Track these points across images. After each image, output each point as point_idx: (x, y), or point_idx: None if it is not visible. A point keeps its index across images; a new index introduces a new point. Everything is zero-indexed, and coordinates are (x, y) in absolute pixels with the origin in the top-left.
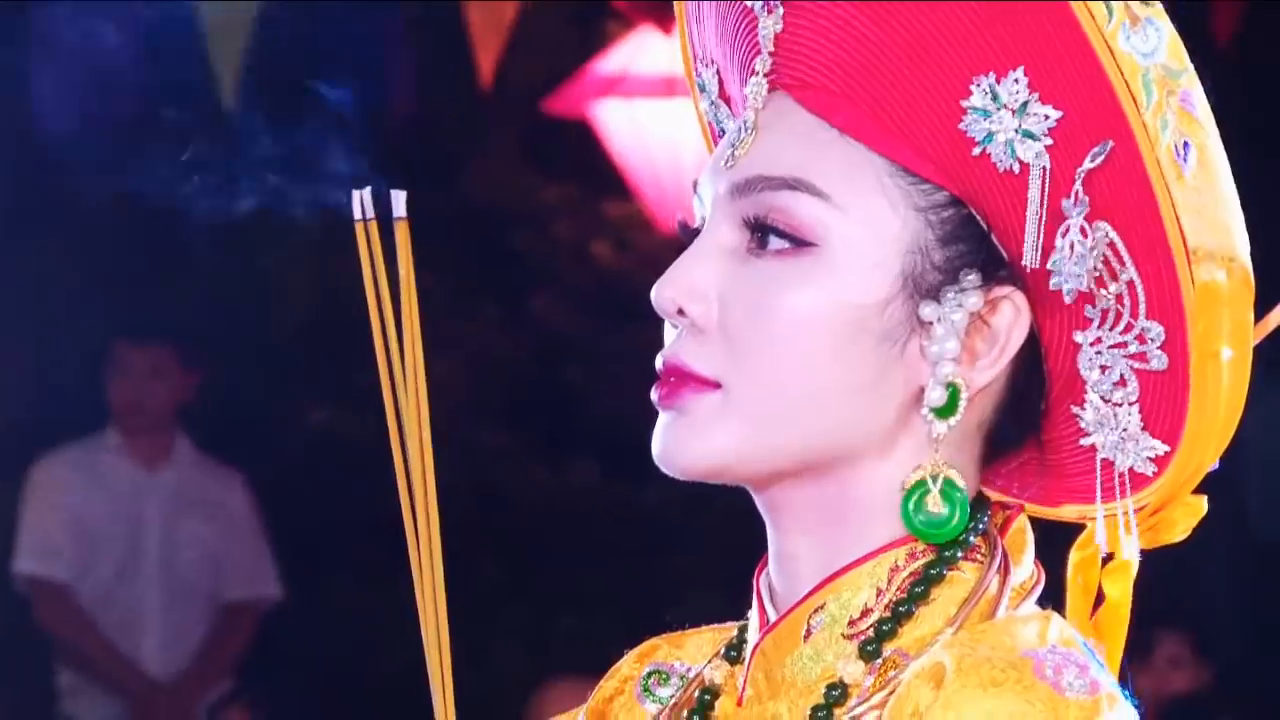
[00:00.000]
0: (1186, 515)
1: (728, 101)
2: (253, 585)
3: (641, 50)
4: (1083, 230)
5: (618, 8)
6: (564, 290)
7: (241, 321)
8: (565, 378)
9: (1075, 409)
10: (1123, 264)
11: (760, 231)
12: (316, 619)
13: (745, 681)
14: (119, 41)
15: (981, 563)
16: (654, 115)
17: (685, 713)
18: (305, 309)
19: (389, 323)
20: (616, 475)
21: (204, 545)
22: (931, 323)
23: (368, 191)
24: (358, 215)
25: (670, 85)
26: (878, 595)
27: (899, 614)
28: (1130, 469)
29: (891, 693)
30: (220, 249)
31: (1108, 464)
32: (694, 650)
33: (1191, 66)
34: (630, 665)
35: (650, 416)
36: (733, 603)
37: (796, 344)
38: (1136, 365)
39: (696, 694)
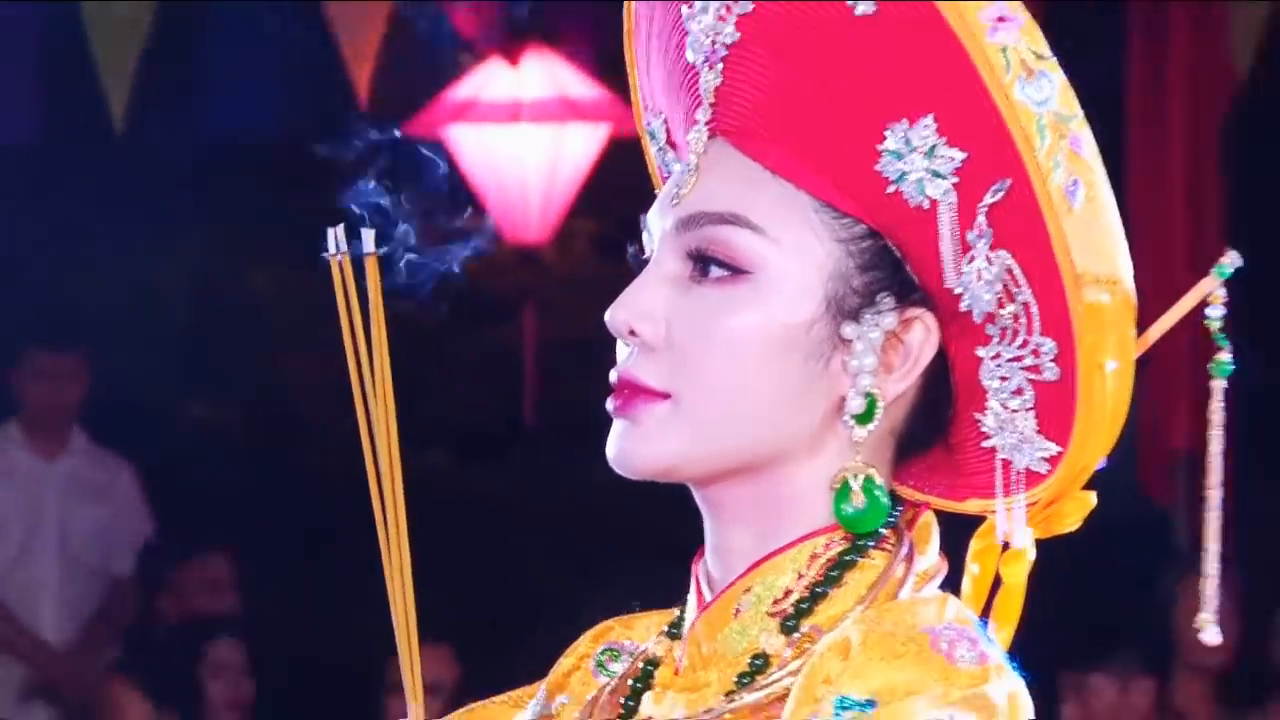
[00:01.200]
0: (1076, 508)
1: (674, 147)
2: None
3: (490, 80)
4: (987, 258)
5: (468, 40)
6: (423, 286)
7: (132, 325)
8: (417, 370)
9: (978, 415)
10: (1019, 287)
11: (702, 262)
12: (182, 574)
13: (683, 654)
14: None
15: (890, 552)
16: (500, 138)
17: (630, 681)
18: (187, 313)
19: (360, 345)
20: (467, 461)
21: (96, 526)
22: (852, 340)
23: (340, 229)
24: (331, 251)
25: (515, 111)
26: (798, 578)
27: (816, 595)
28: (1027, 468)
29: (804, 666)
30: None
31: (1006, 463)
32: (643, 631)
33: (1081, 113)
34: (586, 644)
35: (496, 408)
36: (580, 583)
37: (735, 360)
38: (1032, 376)
39: (640, 665)
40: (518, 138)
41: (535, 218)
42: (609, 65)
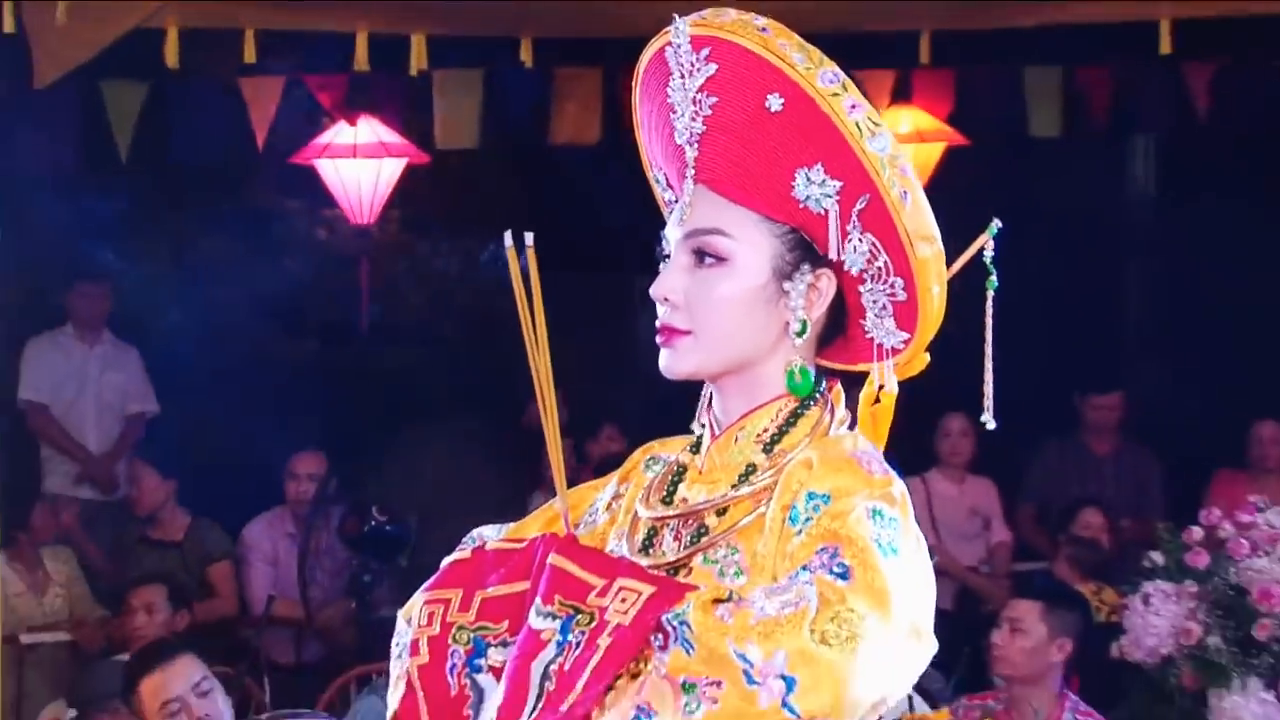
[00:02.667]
0: (919, 364)
1: (672, 188)
2: (143, 403)
3: (338, 132)
4: (859, 239)
5: (327, 109)
6: (302, 248)
7: (135, 267)
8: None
9: (862, 321)
10: (880, 254)
11: (700, 255)
12: (175, 422)
13: (703, 463)
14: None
15: (821, 407)
16: (345, 166)
17: (670, 477)
18: (170, 261)
19: (524, 306)
20: (329, 344)
21: (117, 385)
22: (789, 291)
23: (510, 233)
24: (508, 244)
25: (353, 151)
26: (771, 421)
27: (782, 431)
28: (892, 346)
29: (780, 472)
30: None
31: (880, 345)
32: (673, 448)
33: (903, 151)
34: (639, 454)
35: (344, 314)
36: None
37: (725, 310)
38: (891, 299)
39: (675, 468)
40: (355, 166)
41: (365, 211)
42: (407, 126)
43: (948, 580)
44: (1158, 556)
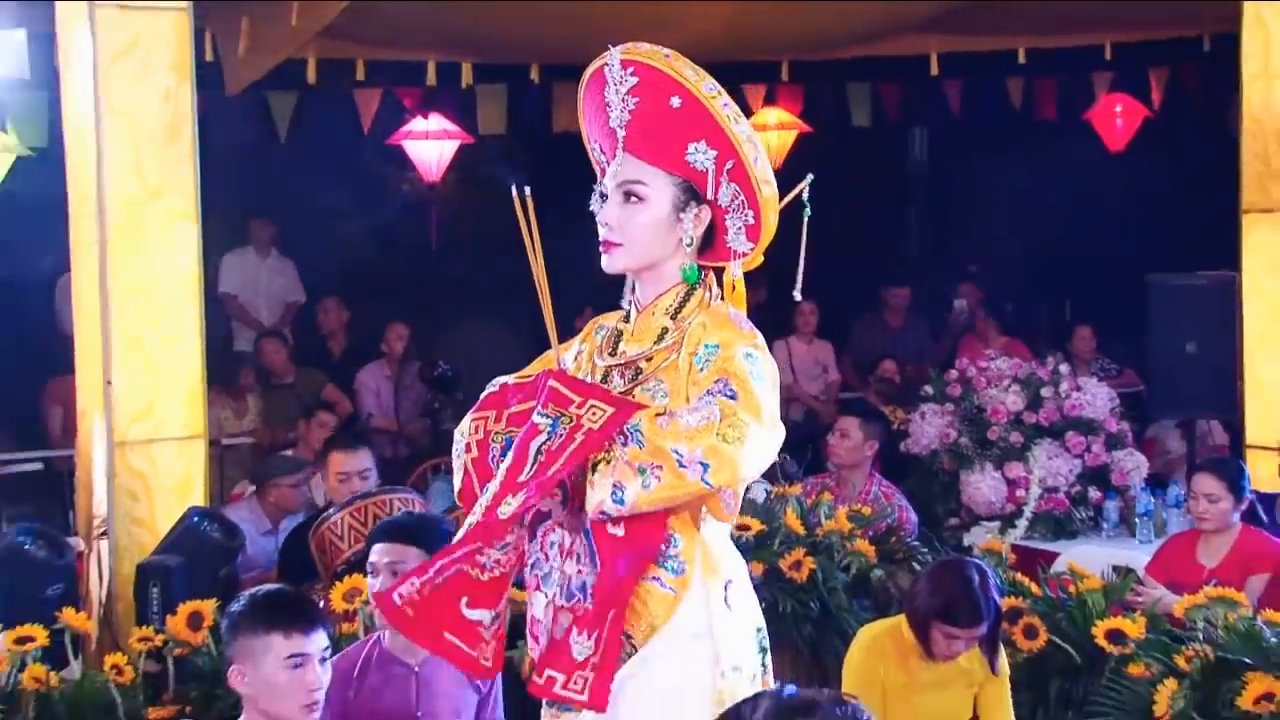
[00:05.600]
0: (756, 261)
1: (605, 152)
2: (297, 296)
3: (417, 123)
4: (726, 185)
5: (409, 109)
6: (394, 198)
7: (292, 211)
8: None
9: (725, 237)
10: (740, 195)
11: (628, 196)
12: (314, 307)
13: (633, 329)
14: None
15: (704, 289)
16: (423, 145)
17: (612, 339)
18: (288, 209)
19: (525, 231)
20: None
21: (281, 286)
22: (682, 219)
23: (515, 184)
24: (515, 194)
25: (427, 134)
26: (674, 300)
27: (681, 305)
28: (742, 251)
29: (683, 332)
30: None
31: (735, 250)
32: (610, 320)
33: (755, 131)
34: (590, 325)
35: (418, 240)
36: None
37: (641, 232)
38: (745, 223)
39: (615, 331)
40: (428, 145)
41: (434, 173)
42: (460, 120)
43: (799, 405)
44: (929, 389)
